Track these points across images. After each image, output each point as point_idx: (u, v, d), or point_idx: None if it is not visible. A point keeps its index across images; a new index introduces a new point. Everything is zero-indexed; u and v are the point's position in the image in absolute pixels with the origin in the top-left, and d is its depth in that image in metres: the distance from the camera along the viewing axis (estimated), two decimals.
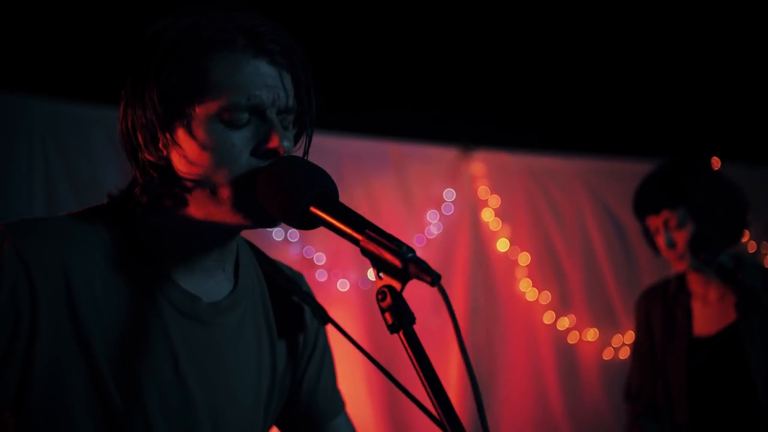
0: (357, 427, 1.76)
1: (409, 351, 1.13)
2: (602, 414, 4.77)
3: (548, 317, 4.73)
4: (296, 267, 4.09)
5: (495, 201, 4.66)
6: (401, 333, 1.14)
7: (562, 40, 4.98)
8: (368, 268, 4.29)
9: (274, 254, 4.00)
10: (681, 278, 3.11)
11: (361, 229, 1.17)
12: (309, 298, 1.58)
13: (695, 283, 3.05)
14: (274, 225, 1.31)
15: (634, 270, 4.94)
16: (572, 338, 4.78)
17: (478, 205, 4.66)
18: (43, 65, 3.80)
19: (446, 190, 4.57)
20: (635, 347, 3.25)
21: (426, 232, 4.50)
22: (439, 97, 4.65)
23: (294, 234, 4.10)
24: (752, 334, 2.87)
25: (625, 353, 4.80)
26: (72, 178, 3.71)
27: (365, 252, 1.16)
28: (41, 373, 1.24)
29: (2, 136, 3.64)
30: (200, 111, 1.26)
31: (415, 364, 1.13)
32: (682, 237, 2.90)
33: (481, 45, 4.83)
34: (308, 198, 1.22)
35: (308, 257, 4.17)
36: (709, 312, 3.02)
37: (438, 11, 4.68)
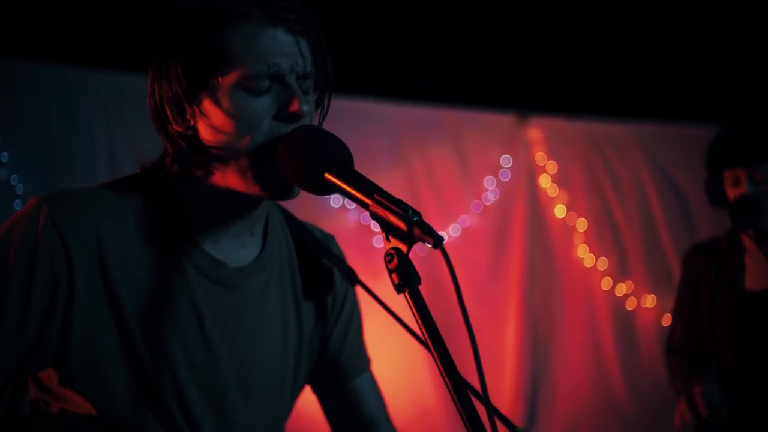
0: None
1: (414, 310, 1.17)
2: (660, 380, 4.73)
3: (606, 283, 4.72)
4: (354, 234, 4.23)
5: (552, 167, 4.65)
6: (407, 293, 1.18)
7: (619, 5, 4.91)
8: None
9: (331, 221, 4.14)
10: (734, 234, 3.08)
11: (370, 194, 1.21)
12: (337, 259, 1.63)
13: (750, 240, 3.03)
14: (290, 197, 1.36)
15: (693, 235, 4.88)
16: (630, 304, 4.76)
17: (535, 171, 4.66)
18: (105, 38, 3.88)
19: (503, 157, 4.57)
20: (679, 302, 3.21)
21: (483, 198, 4.52)
22: (494, 64, 4.63)
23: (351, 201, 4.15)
24: None
25: None
26: (133, 146, 3.82)
27: (374, 215, 1.20)
28: (78, 334, 1.32)
29: (67, 108, 3.77)
30: (223, 81, 1.31)
31: (419, 322, 1.17)
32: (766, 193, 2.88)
33: (538, 11, 4.79)
34: (323, 165, 1.26)
35: (365, 224, 4.22)
36: (761, 268, 3.00)
37: None
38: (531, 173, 4.66)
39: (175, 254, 1.38)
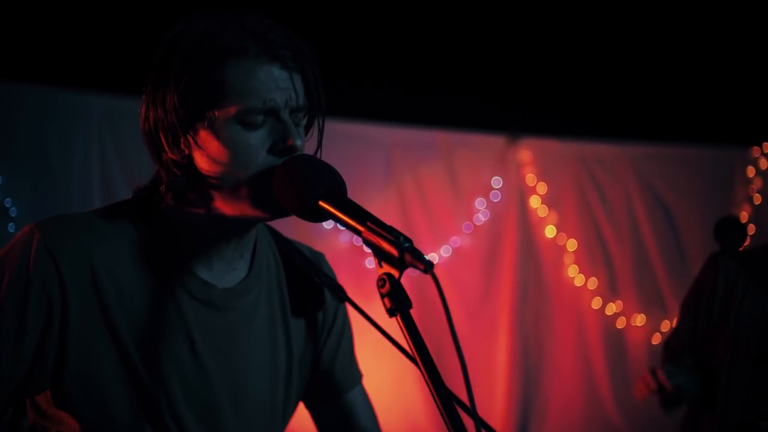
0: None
1: (405, 333, 1.21)
2: (650, 399, 4.78)
3: (596, 303, 4.76)
4: (345, 254, 4.26)
5: (542, 188, 4.69)
6: (399, 317, 1.22)
7: (608, 28, 4.97)
8: (427, 253, 4.36)
9: (324, 242, 4.17)
10: (729, 252, 3.08)
11: (363, 221, 1.26)
12: (326, 278, 1.66)
13: None
14: (288, 215, 1.39)
15: (683, 256, 4.95)
16: (620, 323, 4.81)
17: (525, 192, 4.71)
18: (100, 61, 3.92)
19: (494, 178, 4.61)
20: (693, 301, 3.16)
21: (474, 219, 4.55)
22: (485, 86, 4.68)
23: None
24: None
25: None
26: (127, 169, 3.84)
27: (366, 242, 1.25)
28: (75, 356, 1.35)
29: (62, 131, 3.79)
30: (219, 114, 1.34)
31: (411, 345, 1.21)
32: None
33: (528, 33, 4.85)
34: (317, 194, 1.31)
35: (357, 245, 4.25)
36: None
37: (485, 0, 4.71)
38: (521, 194, 4.71)
39: (167, 278, 1.42)
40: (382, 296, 1.22)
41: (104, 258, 1.37)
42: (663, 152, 4.96)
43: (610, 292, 4.82)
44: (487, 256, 4.61)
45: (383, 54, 4.46)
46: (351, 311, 1.75)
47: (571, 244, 4.73)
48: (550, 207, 4.72)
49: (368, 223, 1.25)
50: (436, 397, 1.18)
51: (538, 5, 4.84)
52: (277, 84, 1.36)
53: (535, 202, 4.70)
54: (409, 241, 1.21)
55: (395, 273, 1.22)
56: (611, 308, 4.79)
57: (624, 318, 4.82)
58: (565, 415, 4.72)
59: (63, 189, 3.78)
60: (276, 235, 1.66)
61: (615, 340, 4.84)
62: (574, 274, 4.73)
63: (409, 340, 1.21)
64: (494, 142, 4.65)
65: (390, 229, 1.23)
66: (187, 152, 1.37)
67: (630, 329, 4.84)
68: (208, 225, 1.42)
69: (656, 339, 4.86)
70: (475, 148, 4.60)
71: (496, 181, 4.61)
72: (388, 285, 1.22)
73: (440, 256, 4.49)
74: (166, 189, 1.40)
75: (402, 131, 4.42)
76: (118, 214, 1.42)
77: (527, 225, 4.69)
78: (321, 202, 1.31)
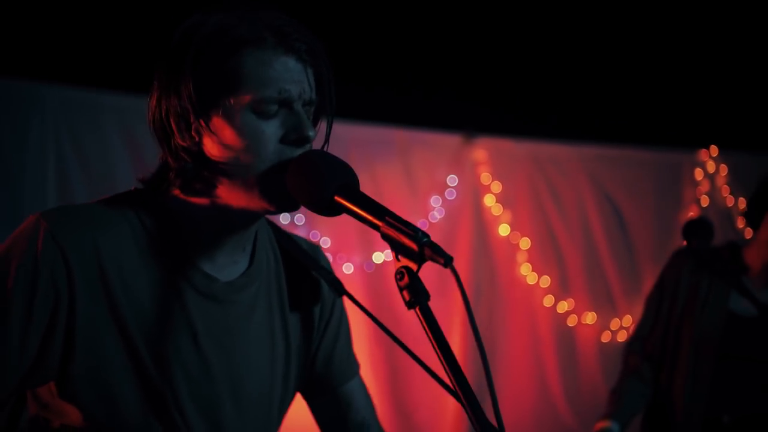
0: None
1: (425, 325, 1.25)
2: (600, 395, 4.86)
3: (548, 301, 4.83)
4: None
5: (497, 187, 4.75)
6: (417, 309, 1.26)
7: (565, 30, 5.04)
8: (372, 252, 4.39)
9: None
10: (735, 250, 3.15)
11: (382, 216, 1.29)
12: (324, 271, 1.68)
13: (754, 260, 3.10)
14: (295, 209, 1.42)
15: (632, 255, 5.04)
16: (571, 321, 4.89)
17: (480, 190, 4.76)
18: (56, 52, 3.87)
19: (449, 176, 4.66)
20: (656, 298, 3.24)
21: (429, 216, 4.59)
22: (443, 85, 4.73)
23: (300, 218, 4.20)
24: None
25: (622, 336, 4.91)
26: (84, 164, 3.78)
27: (385, 236, 1.28)
28: (82, 346, 1.35)
29: (16, 123, 3.70)
30: (234, 102, 1.37)
31: (431, 337, 1.25)
32: None
33: (485, 33, 4.90)
34: (333, 188, 1.33)
35: (314, 241, 4.26)
36: (757, 289, 3.10)
37: (443, 1, 4.75)
38: (476, 193, 4.75)
39: (170, 270, 1.43)
40: (401, 288, 1.26)
41: (110, 248, 1.38)
42: (614, 154, 5.04)
43: (562, 290, 4.89)
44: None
45: (341, 51, 4.47)
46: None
47: (525, 243, 4.79)
48: (504, 206, 4.78)
49: (387, 218, 1.28)
50: (456, 387, 1.22)
51: (494, 7, 4.89)
52: (292, 76, 1.39)
53: (489, 200, 4.75)
54: (427, 236, 1.25)
55: (413, 266, 1.25)
56: (563, 306, 4.87)
57: (575, 316, 4.90)
58: (516, 411, 4.76)
59: (15, 184, 3.68)
60: (275, 228, 1.68)
61: (566, 337, 4.91)
62: (526, 272, 4.79)
63: (429, 331, 1.24)
64: (450, 140, 4.69)
65: (408, 224, 1.26)
66: (197, 139, 1.39)
67: (581, 327, 4.92)
68: (213, 217, 1.44)
69: (606, 337, 4.95)
70: (432, 146, 4.64)
71: (452, 180, 4.65)
72: (406, 278, 1.25)
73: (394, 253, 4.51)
74: (175, 175, 1.42)
75: (359, 128, 4.44)
76: (121, 205, 1.44)
77: (481, 223, 4.74)
78: (337, 197, 1.33)
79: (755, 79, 5.28)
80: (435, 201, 4.62)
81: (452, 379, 1.22)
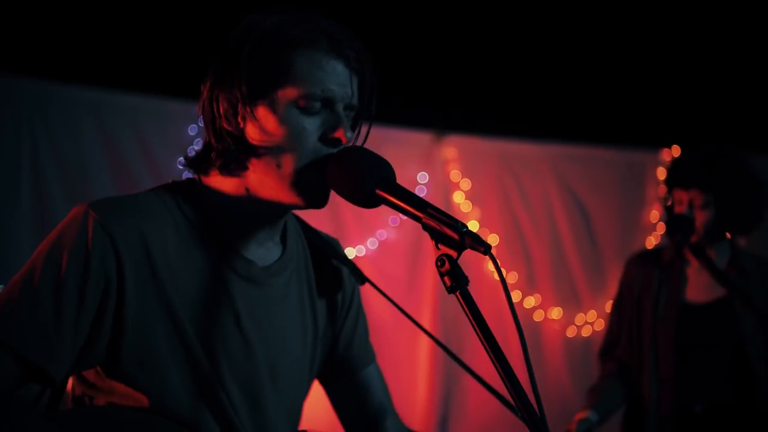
0: None
1: (466, 309, 1.35)
2: (564, 388, 4.97)
3: (515, 296, 4.91)
4: None
5: (466, 184, 4.82)
6: (458, 293, 1.35)
7: (533, 31, 5.12)
8: (344, 248, 4.44)
9: None
10: (678, 246, 3.29)
11: (423, 209, 1.38)
12: (346, 260, 1.80)
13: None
14: (321, 207, 1.51)
15: (597, 252, 5.12)
16: (538, 316, 4.97)
17: (449, 188, 4.82)
18: (30, 46, 3.87)
19: (420, 173, 4.72)
20: (616, 306, 3.41)
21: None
22: (414, 84, 4.78)
23: None
24: (744, 306, 3.10)
25: (587, 331, 5.01)
26: (58, 160, 3.79)
27: (426, 226, 1.37)
28: (131, 329, 1.43)
29: None
30: (281, 94, 1.47)
31: (471, 320, 1.34)
32: (701, 217, 3.10)
33: (456, 32, 4.96)
34: (374, 182, 1.43)
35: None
36: (703, 281, 3.23)
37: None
38: (446, 190, 4.81)
39: (212, 256, 1.52)
40: (442, 275, 1.35)
41: (155, 237, 1.46)
42: (580, 153, 5.12)
43: (529, 285, 4.96)
44: (411, 249, 4.70)
45: None
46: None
47: (493, 239, 4.87)
48: (473, 203, 4.85)
49: (428, 210, 1.37)
50: (499, 368, 1.31)
51: (464, 8, 4.96)
52: (339, 79, 1.49)
53: (459, 197, 4.82)
54: (466, 226, 1.34)
55: (453, 254, 1.34)
56: (530, 302, 4.94)
57: (542, 311, 4.97)
58: (484, 405, 4.78)
59: None
60: (302, 223, 1.78)
61: (532, 332, 4.98)
62: (494, 268, 4.84)
63: (470, 315, 1.33)
64: (421, 138, 4.76)
65: (448, 215, 1.35)
66: (242, 125, 1.48)
67: (547, 322, 4.99)
68: (245, 209, 1.53)
69: (571, 332, 5.03)
70: (403, 144, 4.69)
71: (422, 177, 4.71)
72: (447, 264, 1.34)
73: (367, 249, 4.57)
74: (217, 155, 1.51)
75: None
76: (163, 197, 1.53)
77: None
78: (378, 191, 1.42)
79: (716, 80, 5.39)
80: None
81: (494, 361, 1.32)
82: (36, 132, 3.74)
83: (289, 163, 1.47)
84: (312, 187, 1.48)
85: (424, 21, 4.87)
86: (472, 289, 4.23)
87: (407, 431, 1.92)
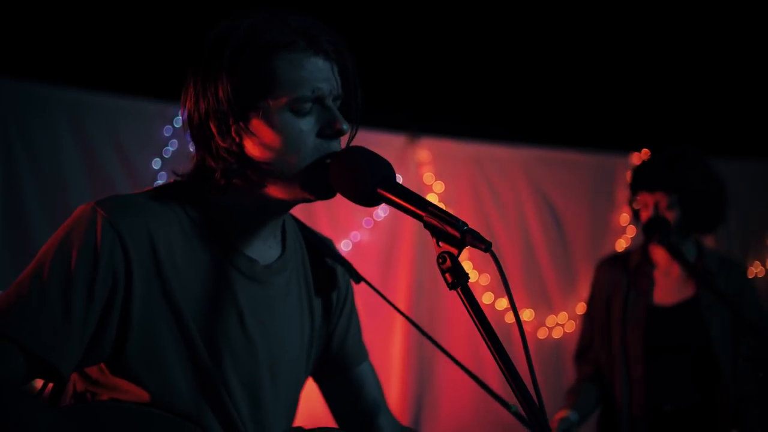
0: None
1: (466, 303, 1.37)
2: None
3: (487, 297, 4.93)
4: None
5: (439, 186, 4.85)
6: (459, 289, 1.37)
7: (506, 36, 5.17)
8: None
9: None
10: (645, 250, 3.37)
11: (424, 207, 1.42)
12: (342, 259, 1.83)
13: (661, 257, 3.32)
14: (330, 197, 1.53)
15: (568, 254, 5.17)
16: (509, 318, 5.00)
17: (423, 190, 4.83)
18: (5, 45, 3.86)
19: None
20: (588, 310, 3.48)
21: (374, 215, 4.67)
22: (388, 86, 4.80)
23: None
24: (710, 307, 3.18)
25: (558, 333, 5.06)
26: (33, 159, 3.76)
27: (427, 225, 1.41)
28: (137, 325, 1.46)
29: None
30: (272, 103, 1.49)
31: (472, 315, 1.36)
32: (667, 218, 3.17)
33: (430, 35, 4.99)
34: (375, 181, 1.46)
35: None
36: (670, 284, 3.30)
37: (387, 1, 4.84)
38: (419, 192, 4.76)
39: (216, 255, 1.53)
40: (443, 272, 1.38)
41: (161, 235, 1.48)
42: (552, 156, 5.17)
43: (500, 287, 4.96)
44: (385, 251, 4.72)
45: None
46: None
47: None
48: (446, 205, 4.85)
49: (429, 209, 1.40)
50: (499, 361, 1.33)
51: (439, 11, 5.00)
52: (323, 74, 1.51)
53: (432, 199, 4.79)
54: (466, 224, 1.37)
55: (454, 251, 1.37)
56: (501, 303, 4.96)
57: (512, 313, 5.00)
58: (456, 405, 4.83)
59: None
60: (299, 222, 1.80)
61: (504, 333, 4.98)
62: (467, 269, 4.84)
63: (470, 310, 1.36)
64: (395, 140, 4.78)
65: (449, 214, 1.39)
66: (238, 140, 1.49)
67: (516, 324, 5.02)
68: (250, 207, 1.55)
69: (542, 333, 5.08)
70: (377, 145, 4.55)
71: (397, 179, 4.73)
72: (449, 262, 1.37)
73: (341, 250, 4.58)
74: (220, 175, 1.51)
75: None
76: (167, 196, 1.54)
77: None
78: (379, 190, 1.45)
79: (685, 84, 5.49)
80: None
81: (495, 354, 1.34)
82: (10, 131, 3.71)
83: (293, 166, 1.49)
84: (320, 181, 1.50)
85: (399, 24, 4.90)
86: (447, 289, 4.25)
87: (401, 427, 1.95)
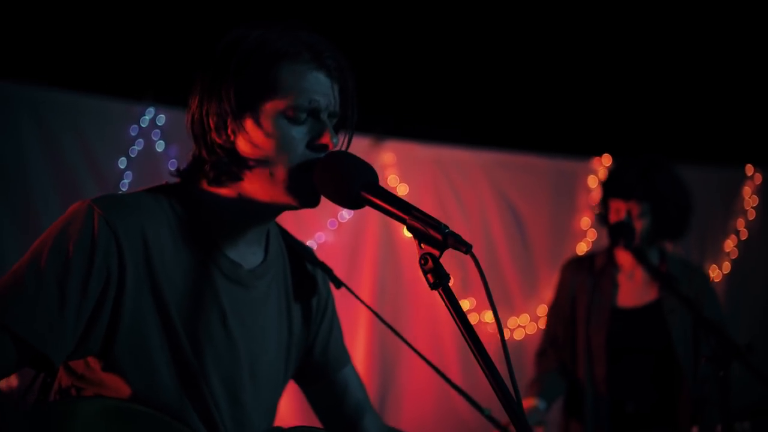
0: None
1: (448, 304, 1.41)
2: None
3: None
4: None
5: (403, 189, 4.89)
6: (440, 289, 1.42)
7: (469, 41, 5.23)
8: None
9: None
10: (610, 253, 3.44)
11: (408, 211, 1.46)
12: (323, 266, 1.88)
13: (625, 260, 3.39)
14: (315, 206, 1.58)
15: (530, 257, 5.23)
16: (472, 319, 4.96)
17: None
18: None
19: None
20: (553, 309, 3.55)
21: (339, 216, 4.70)
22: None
23: None
24: (672, 311, 3.27)
25: (519, 334, 5.13)
26: None
27: (410, 227, 1.45)
28: (126, 321, 1.50)
29: None
30: (269, 107, 1.55)
31: (453, 314, 1.41)
32: (638, 225, 3.25)
33: (395, 40, 5.04)
34: (359, 185, 1.51)
35: None
36: (634, 287, 3.39)
37: (350, 4, 4.89)
38: None
39: (201, 255, 1.58)
40: (425, 272, 1.43)
41: (153, 234, 1.53)
42: (513, 160, 5.23)
43: (463, 289, 5.02)
44: (349, 252, 4.74)
45: None
46: None
47: None
48: None
49: (413, 212, 1.45)
50: (480, 360, 1.37)
51: (403, 15, 5.04)
52: (322, 89, 1.58)
53: None
54: (448, 227, 1.43)
55: (436, 253, 1.42)
56: (464, 305, 4.98)
57: (476, 314, 5.05)
58: (418, 405, 4.87)
59: None
60: (282, 230, 1.85)
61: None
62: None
63: (452, 309, 1.40)
64: (360, 143, 4.78)
65: (431, 217, 1.44)
66: (232, 137, 1.55)
67: (480, 325, 5.06)
68: (237, 209, 1.60)
69: (504, 335, 5.13)
70: (342, 148, 4.73)
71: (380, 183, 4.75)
72: (431, 263, 1.42)
73: None
74: (210, 167, 1.57)
75: None
76: (158, 196, 1.59)
77: (388, 223, 4.83)
78: (363, 193, 1.49)
79: (645, 91, 5.59)
80: None
81: (475, 353, 1.38)
82: None
83: (281, 170, 1.54)
84: (305, 189, 1.56)
85: (363, 27, 4.94)
86: (410, 289, 4.33)
87: (386, 428, 2.00)
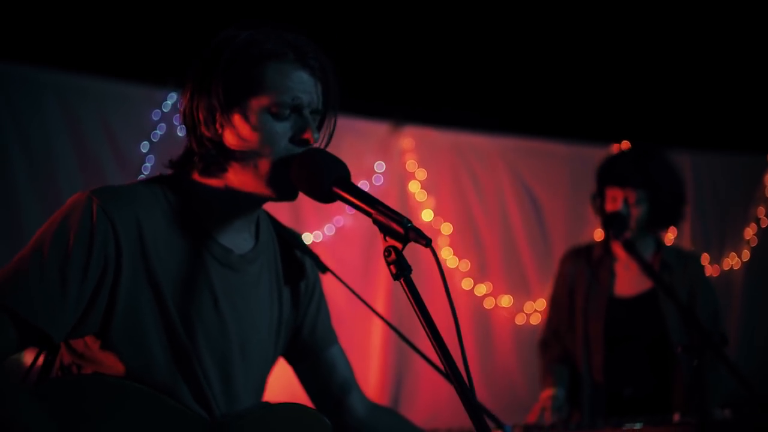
0: None
1: (409, 294, 1.51)
2: (513, 374, 5.11)
3: (467, 284, 5.05)
4: None
5: (422, 174, 4.94)
6: (402, 280, 1.51)
7: (488, 26, 5.24)
8: (312, 231, 4.53)
9: None
10: (607, 244, 3.48)
11: (374, 205, 1.56)
12: (310, 252, 1.99)
13: (621, 251, 3.43)
14: (293, 199, 1.68)
15: (546, 241, 5.27)
16: (488, 304, 5.11)
17: (405, 177, 4.93)
18: None
19: (377, 163, 4.83)
20: (553, 299, 3.60)
21: None
22: (373, 75, 4.87)
23: None
24: (666, 299, 3.28)
25: (536, 319, 5.17)
26: (23, 140, 3.82)
27: (376, 221, 1.55)
28: (122, 305, 1.61)
29: None
30: (255, 103, 1.65)
31: (414, 304, 1.50)
32: (634, 213, 3.28)
33: (414, 25, 5.06)
34: (331, 180, 1.61)
35: None
36: (630, 276, 3.42)
37: None
38: (402, 179, 4.91)
39: (193, 242, 1.69)
40: (389, 263, 1.52)
41: (148, 224, 1.63)
42: (532, 145, 5.27)
43: (480, 273, 5.09)
44: (367, 236, 4.79)
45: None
46: None
47: (446, 228, 5.00)
48: (428, 192, 4.96)
49: (378, 207, 1.54)
50: (437, 349, 1.46)
51: (424, 1, 5.06)
52: (305, 87, 1.67)
53: (414, 187, 4.94)
54: (411, 222, 1.52)
55: (399, 245, 1.51)
56: (480, 289, 5.08)
57: (492, 298, 5.11)
58: (434, 388, 4.87)
59: None
60: (271, 217, 1.95)
61: (483, 319, 5.11)
62: (447, 255, 4.99)
63: (412, 299, 1.50)
64: (379, 128, 4.86)
65: (396, 212, 1.53)
66: (220, 131, 1.65)
67: (497, 309, 5.13)
68: (224, 199, 1.70)
69: (520, 319, 5.18)
70: (361, 133, 4.78)
71: (379, 166, 4.82)
72: (393, 255, 1.51)
73: (324, 235, 4.66)
74: (199, 159, 1.68)
75: None
76: (153, 187, 1.69)
77: (406, 208, 4.89)
78: (335, 188, 1.59)
79: (667, 77, 5.58)
80: (363, 186, 4.75)
81: (433, 342, 1.47)
82: (1, 114, 3.76)
83: (264, 163, 1.65)
84: (283, 183, 1.65)
85: (385, 13, 4.96)
86: (427, 273, 4.38)
87: (370, 404, 2.12)
